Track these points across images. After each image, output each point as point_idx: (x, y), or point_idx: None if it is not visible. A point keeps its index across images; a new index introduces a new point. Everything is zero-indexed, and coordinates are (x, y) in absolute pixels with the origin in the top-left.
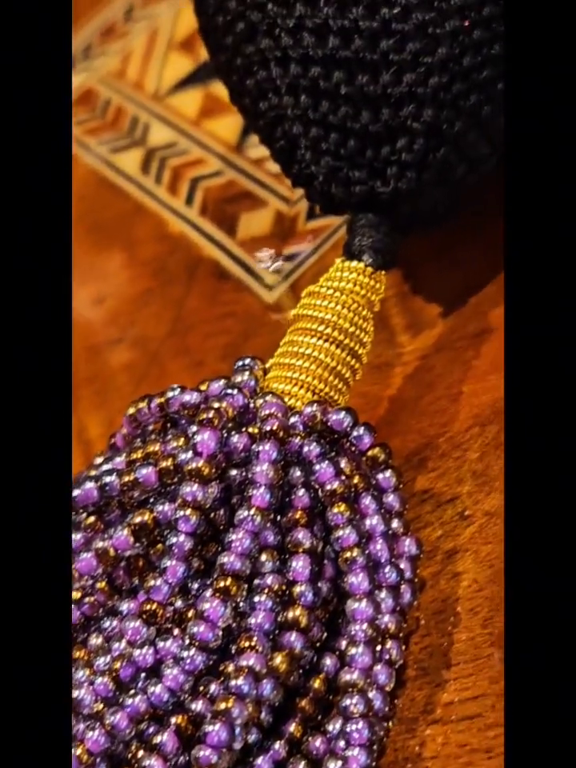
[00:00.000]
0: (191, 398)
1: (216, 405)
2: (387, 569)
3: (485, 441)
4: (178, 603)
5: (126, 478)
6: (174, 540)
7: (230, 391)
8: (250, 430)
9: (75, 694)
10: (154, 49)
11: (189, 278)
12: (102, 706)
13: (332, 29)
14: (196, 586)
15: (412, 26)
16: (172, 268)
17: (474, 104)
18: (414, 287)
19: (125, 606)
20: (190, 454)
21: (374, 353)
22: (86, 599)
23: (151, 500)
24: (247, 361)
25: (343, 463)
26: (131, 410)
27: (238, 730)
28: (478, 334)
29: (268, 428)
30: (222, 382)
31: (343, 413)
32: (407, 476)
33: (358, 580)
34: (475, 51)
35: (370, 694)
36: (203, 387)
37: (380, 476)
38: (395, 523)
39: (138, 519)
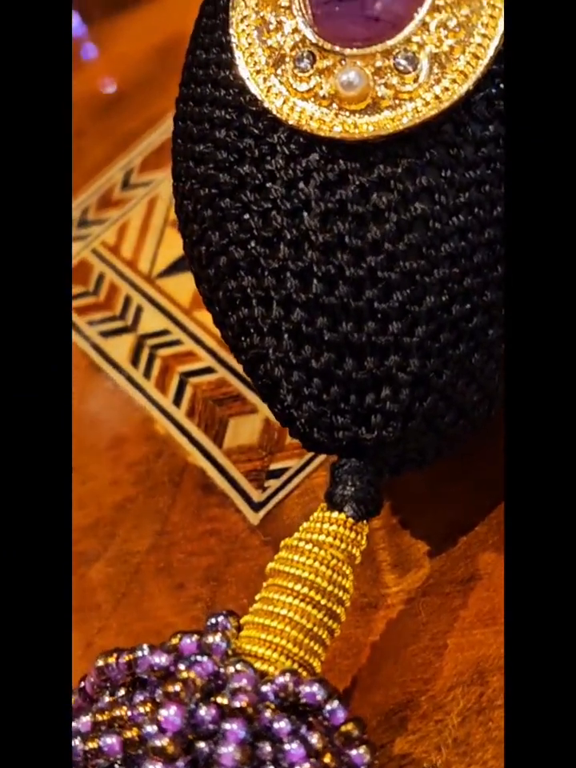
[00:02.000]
0: (160, 660)
1: (184, 675)
2: None
3: (467, 704)
4: None
5: (90, 745)
6: None
7: (199, 658)
8: (219, 700)
9: None
10: (151, 223)
11: (174, 488)
12: None
13: (316, 274)
14: None
15: (399, 274)
16: (157, 474)
17: (463, 353)
18: (402, 521)
19: None
20: (154, 728)
21: (359, 591)
22: None
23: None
24: (220, 619)
25: (315, 739)
26: (100, 662)
27: None
28: (466, 580)
29: (237, 704)
30: (194, 639)
31: (316, 685)
32: (386, 737)
33: None
34: (465, 299)
35: None
36: (175, 640)
37: (353, 752)
38: None
39: None
